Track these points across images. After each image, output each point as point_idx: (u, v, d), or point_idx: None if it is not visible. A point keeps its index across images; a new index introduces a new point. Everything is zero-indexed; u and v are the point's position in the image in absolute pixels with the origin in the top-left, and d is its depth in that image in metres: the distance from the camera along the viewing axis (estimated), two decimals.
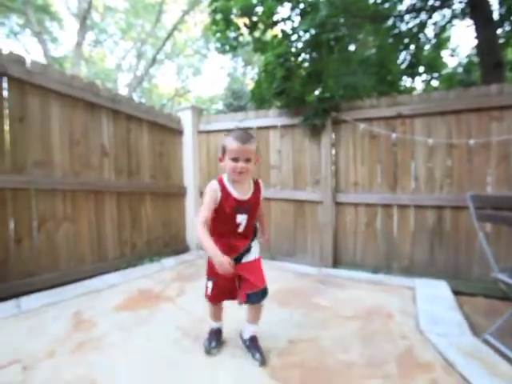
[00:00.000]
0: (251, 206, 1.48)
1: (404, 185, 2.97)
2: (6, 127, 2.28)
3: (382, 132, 3.01)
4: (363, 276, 2.90)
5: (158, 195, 3.69)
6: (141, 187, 3.43)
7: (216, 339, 1.62)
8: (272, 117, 3.60)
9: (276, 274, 2.85)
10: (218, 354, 1.57)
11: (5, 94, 2.27)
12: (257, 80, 5.37)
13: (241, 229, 1.48)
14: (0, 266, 2.21)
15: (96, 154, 2.94)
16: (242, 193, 1.46)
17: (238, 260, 1.47)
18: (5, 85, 2.26)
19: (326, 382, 1.36)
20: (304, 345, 1.68)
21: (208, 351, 1.56)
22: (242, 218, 1.46)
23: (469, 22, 5.52)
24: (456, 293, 2.45)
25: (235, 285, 1.51)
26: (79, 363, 1.46)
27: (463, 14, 5.58)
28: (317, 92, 3.46)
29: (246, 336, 1.58)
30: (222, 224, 1.45)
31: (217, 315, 1.65)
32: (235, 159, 1.37)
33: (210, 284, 1.53)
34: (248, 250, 1.51)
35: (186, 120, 4.09)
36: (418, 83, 7.16)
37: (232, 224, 1.46)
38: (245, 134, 1.39)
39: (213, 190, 1.42)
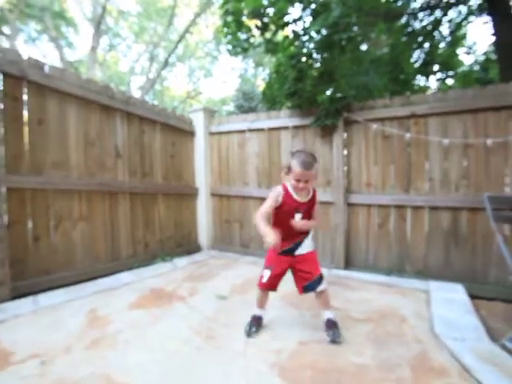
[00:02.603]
0: (307, 208, 1.77)
1: (418, 186, 2.91)
2: (26, 130, 2.37)
3: (394, 132, 2.96)
4: (376, 278, 2.85)
5: (171, 196, 3.74)
6: (154, 188, 3.49)
7: (257, 325, 1.82)
8: (283, 118, 3.60)
9: (287, 275, 2.84)
10: (229, 353, 1.57)
11: (24, 97, 2.35)
12: (268, 81, 5.40)
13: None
14: (19, 264, 2.29)
15: (110, 156, 3.01)
16: (301, 197, 1.74)
17: (291, 252, 1.77)
18: (24, 89, 2.35)
19: None
20: (315, 346, 1.67)
21: (249, 334, 1.76)
22: (299, 216, 1.75)
23: (486, 18, 5.36)
24: (472, 297, 2.38)
25: (283, 276, 1.79)
26: (95, 359, 1.50)
27: (480, 10, 5.42)
28: (328, 92, 3.44)
29: (324, 318, 1.80)
30: (283, 219, 1.73)
31: (263, 303, 1.86)
32: (298, 180, 1.64)
33: (268, 272, 1.77)
34: (300, 244, 1.79)
35: (198, 121, 4.14)
36: (433, 82, 7.01)
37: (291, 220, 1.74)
38: (308, 160, 1.63)
39: (276, 192, 1.73)
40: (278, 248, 1.56)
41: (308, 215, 1.79)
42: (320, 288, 1.73)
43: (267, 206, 1.70)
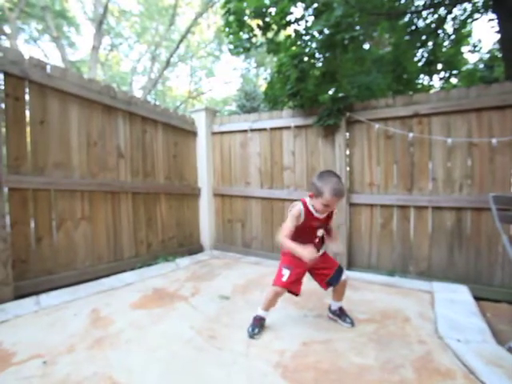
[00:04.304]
0: (326, 223, 1.82)
1: (421, 185, 2.89)
2: (28, 130, 2.37)
3: (397, 132, 2.94)
4: (378, 278, 2.83)
5: (173, 196, 3.74)
6: (156, 188, 3.49)
7: (260, 326, 1.81)
8: (285, 117, 3.59)
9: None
10: (232, 354, 1.57)
11: (26, 97, 2.36)
12: (270, 81, 5.37)
13: (317, 239, 1.83)
14: (21, 264, 2.30)
15: (112, 156, 3.01)
16: (321, 214, 1.73)
17: None
18: (26, 89, 2.35)
19: None
20: (317, 346, 1.65)
21: (252, 336, 1.74)
22: (320, 232, 1.83)
23: (491, 15, 5.31)
24: (477, 298, 2.35)
25: (303, 278, 1.81)
26: (97, 359, 1.50)
27: (485, 8, 5.37)
28: (330, 92, 3.42)
29: (335, 307, 1.94)
30: (304, 236, 1.75)
31: (272, 305, 1.84)
32: (326, 205, 1.64)
33: (288, 272, 1.76)
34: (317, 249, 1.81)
35: (200, 121, 4.13)
36: (436, 81, 6.96)
37: (313, 236, 1.81)
38: (341, 188, 1.62)
39: (296, 211, 1.71)
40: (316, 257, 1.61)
41: (326, 230, 1.87)
42: (343, 278, 1.83)
43: (290, 227, 1.70)
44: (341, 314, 1.93)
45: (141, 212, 3.31)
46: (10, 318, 1.90)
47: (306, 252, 1.55)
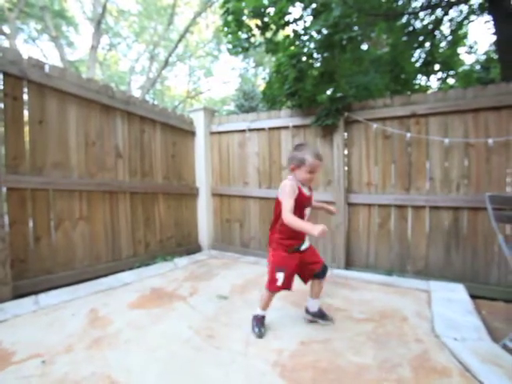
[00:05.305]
0: (311, 202, 1.85)
1: (419, 185, 2.91)
2: (26, 130, 2.36)
3: (395, 132, 2.96)
4: (376, 278, 2.85)
5: (171, 195, 3.74)
6: (154, 188, 3.49)
7: (263, 324, 1.83)
8: (283, 117, 3.59)
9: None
10: (230, 353, 1.57)
11: (25, 97, 2.35)
12: (268, 81, 5.38)
13: (306, 219, 1.81)
14: (20, 264, 2.29)
15: (111, 156, 3.01)
16: (307, 191, 1.79)
17: (299, 248, 1.81)
18: (25, 89, 2.34)
19: None
20: (316, 346, 1.67)
21: (261, 336, 1.75)
22: (308, 211, 1.83)
23: (487, 17, 5.35)
24: (474, 297, 2.38)
25: (295, 274, 1.82)
26: (95, 359, 1.50)
27: (481, 9, 5.41)
28: (329, 92, 3.44)
29: (315, 309, 1.94)
30: (296, 215, 1.67)
31: (269, 304, 1.86)
32: (311, 172, 1.70)
33: (282, 274, 1.74)
34: (304, 240, 1.84)
35: (199, 121, 4.14)
36: (434, 82, 7.00)
37: (303, 215, 1.78)
38: (318, 151, 1.74)
39: (291, 187, 1.69)
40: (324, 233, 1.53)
41: (312, 207, 1.90)
42: (328, 273, 1.90)
43: (291, 203, 1.65)
44: (322, 315, 1.95)
45: (139, 212, 3.31)
46: (8, 317, 1.90)
47: (314, 228, 1.48)
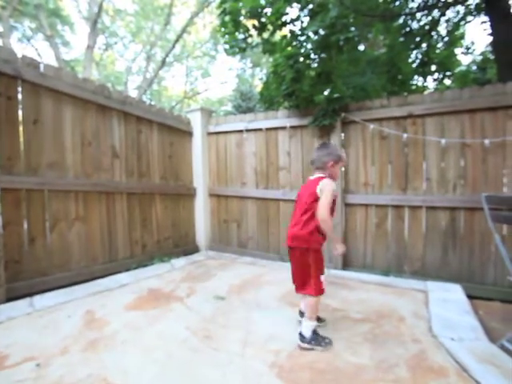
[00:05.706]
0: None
1: (415, 186, 2.92)
2: (21, 130, 2.34)
3: (392, 132, 2.97)
4: (373, 278, 2.85)
5: (168, 196, 3.73)
6: (151, 188, 3.47)
7: (319, 335, 1.69)
8: (281, 118, 3.59)
9: (286, 276, 2.83)
10: (227, 354, 1.56)
11: (19, 97, 2.33)
12: (265, 81, 5.38)
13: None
14: (14, 265, 2.27)
15: (107, 156, 2.99)
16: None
17: None
18: (19, 88, 2.32)
19: None
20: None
21: (331, 342, 1.67)
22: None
23: (484, 18, 5.39)
24: (471, 297, 2.39)
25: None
26: (91, 361, 1.48)
27: (478, 10, 5.45)
28: (326, 92, 3.44)
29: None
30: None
31: (318, 311, 1.76)
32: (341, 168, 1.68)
33: (323, 278, 1.71)
34: None
35: (196, 122, 4.12)
36: (430, 82, 7.04)
37: (333, 215, 1.73)
38: None
39: (332, 185, 1.67)
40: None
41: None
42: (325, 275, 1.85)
43: (330, 203, 1.63)
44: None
45: (136, 212, 3.29)
46: (2, 320, 1.88)
47: (340, 245, 1.50)
